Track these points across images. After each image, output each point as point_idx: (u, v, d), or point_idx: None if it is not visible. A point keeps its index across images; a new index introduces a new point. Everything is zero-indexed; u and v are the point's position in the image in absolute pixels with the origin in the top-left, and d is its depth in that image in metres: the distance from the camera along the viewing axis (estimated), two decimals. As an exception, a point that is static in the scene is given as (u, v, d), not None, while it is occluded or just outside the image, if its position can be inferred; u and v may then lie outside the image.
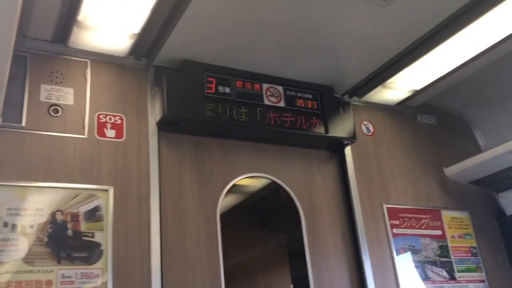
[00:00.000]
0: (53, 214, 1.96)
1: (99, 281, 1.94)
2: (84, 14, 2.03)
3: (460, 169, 2.84)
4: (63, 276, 1.89)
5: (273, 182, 2.58)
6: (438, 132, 3.17)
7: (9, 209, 1.90)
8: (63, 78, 2.21)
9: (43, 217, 1.94)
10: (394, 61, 2.58)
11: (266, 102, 2.50)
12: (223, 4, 2.05)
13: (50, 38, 2.19)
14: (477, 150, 3.15)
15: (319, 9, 2.13)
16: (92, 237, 2.00)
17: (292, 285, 2.60)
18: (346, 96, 2.89)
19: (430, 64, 2.60)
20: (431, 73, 2.72)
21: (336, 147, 2.75)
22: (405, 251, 2.70)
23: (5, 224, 1.87)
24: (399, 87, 2.84)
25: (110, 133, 2.21)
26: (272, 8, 2.11)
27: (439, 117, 3.23)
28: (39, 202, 1.96)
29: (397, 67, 2.62)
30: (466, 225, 2.95)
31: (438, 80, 2.78)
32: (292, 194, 2.57)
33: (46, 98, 2.14)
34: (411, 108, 3.12)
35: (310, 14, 2.17)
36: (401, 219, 2.76)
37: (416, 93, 2.92)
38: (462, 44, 2.45)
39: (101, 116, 2.22)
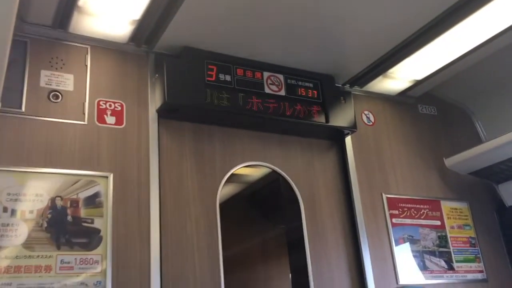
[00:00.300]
0: (52, 200, 1.96)
1: (98, 267, 1.94)
2: (85, -1, 2.03)
3: (460, 160, 2.84)
4: (62, 261, 1.89)
5: (273, 171, 2.58)
6: (438, 123, 3.17)
7: (8, 194, 1.90)
8: (63, 64, 2.19)
9: (43, 202, 1.94)
10: (395, 51, 2.57)
11: (267, 90, 2.49)
12: (224, -9, 2.04)
13: (50, 24, 2.18)
14: (478, 141, 3.15)
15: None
16: (92, 223, 2.00)
17: (290, 275, 2.60)
18: (347, 86, 2.88)
19: (431, 54, 2.60)
20: (432, 63, 2.71)
21: (336, 136, 2.75)
22: (404, 241, 2.70)
23: (5, 209, 1.87)
24: (400, 77, 2.83)
25: (110, 119, 2.20)
26: (273, -4, 2.10)
27: (439, 108, 3.22)
28: (38, 188, 1.95)
29: (398, 57, 2.61)
30: (465, 215, 2.96)
31: (439, 70, 2.77)
32: (292, 183, 2.58)
33: (46, 84, 2.13)
34: (412, 98, 3.12)
35: (312, 3, 2.15)
36: (400, 209, 2.76)
37: (417, 83, 2.91)
38: (463, 35, 2.44)
39: (101, 103, 2.21)
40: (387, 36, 2.46)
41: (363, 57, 2.65)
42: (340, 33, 2.40)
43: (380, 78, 2.81)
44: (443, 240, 2.81)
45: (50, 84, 2.13)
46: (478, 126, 3.26)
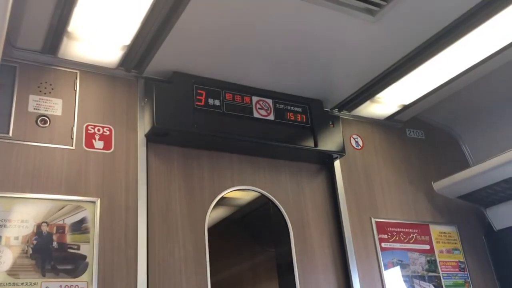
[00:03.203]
0: (38, 226, 1.94)
1: (84, 294, 1.92)
2: (74, 25, 2.03)
3: (448, 184, 2.85)
4: (47, 288, 1.86)
5: (262, 195, 2.57)
6: (426, 147, 3.19)
7: (-6, 220, 1.88)
8: (52, 89, 2.20)
9: (28, 228, 1.92)
10: (383, 76, 2.60)
11: (256, 115, 2.51)
12: (213, 17, 2.06)
13: (39, 49, 2.18)
14: (465, 165, 3.17)
15: (309, 24, 2.15)
16: (78, 249, 1.97)
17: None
18: (335, 110, 2.90)
19: (418, 79, 2.63)
20: (419, 88, 2.74)
21: (325, 160, 2.76)
22: (393, 265, 2.69)
23: (-10, 236, 1.85)
24: (388, 102, 2.86)
25: (99, 144, 2.20)
26: (262, 23, 2.12)
27: (427, 132, 3.25)
28: (24, 214, 1.93)
29: (386, 82, 2.64)
30: (454, 239, 2.96)
31: (426, 95, 2.80)
32: (281, 207, 2.57)
33: (34, 109, 2.12)
34: (400, 123, 3.15)
35: (300, 29, 2.18)
36: (389, 233, 2.76)
37: (405, 108, 2.94)
38: (450, 60, 2.47)
39: (89, 127, 2.21)
40: (375, 61, 2.49)
41: (351, 82, 2.68)
42: (328, 58, 2.43)
43: (368, 102, 2.83)
44: (432, 265, 2.81)
45: (39, 109, 2.13)
46: (465, 150, 3.29)
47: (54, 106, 2.17)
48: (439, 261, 2.84)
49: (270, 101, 2.58)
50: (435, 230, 2.92)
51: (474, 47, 2.39)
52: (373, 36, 2.27)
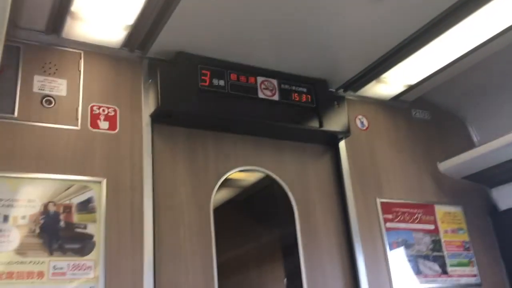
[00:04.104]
0: (45, 206, 1.95)
1: (91, 273, 1.93)
2: (78, 5, 2.02)
3: (454, 164, 2.85)
4: (54, 267, 1.88)
5: (267, 176, 2.58)
6: (432, 127, 3.18)
7: (1, 200, 1.89)
8: (56, 69, 2.19)
9: (35, 208, 1.93)
10: (388, 55, 2.58)
11: (261, 95, 2.50)
12: (217, -4, 2.05)
13: (43, 29, 2.17)
14: (471, 145, 3.16)
15: (314, 3, 2.13)
16: (85, 228, 1.99)
17: (285, 280, 2.60)
18: (340, 90, 2.89)
19: (424, 59, 2.61)
20: (425, 68, 2.73)
21: (330, 141, 2.75)
22: (398, 245, 2.70)
23: (-3, 215, 1.86)
24: (393, 82, 2.84)
25: (104, 124, 2.20)
26: (267, 2, 2.10)
27: (433, 112, 3.24)
28: (31, 193, 1.95)
29: (391, 61, 2.62)
30: (459, 220, 2.96)
31: (432, 75, 2.78)
32: (286, 188, 2.58)
33: (39, 89, 2.12)
34: (405, 103, 3.13)
35: (304, 8, 2.16)
36: (394, 214, 2.76)
37: (411, 88, 2.92)
38: (455, 40, 2.45)
39: (94, 108, 2.21)
40: (380, 41, 2.47)
41: (357, 62, 2.66)
42: (333, 38, 2.41)
43: (373, 83, 2.81)
44: (437, 245, 2.81)
45: (43, 90, 2.13)
46: (471, 131, 3.28)
47: (59, 87, 2.16)
48: (444, 241, 2.84)
49: (275, 81, 2.56)
50: (440, 210, 2.92)
51: (480, 27, 2.37)
52: (379, 15, 2.24)
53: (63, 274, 1.88)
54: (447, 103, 3.28)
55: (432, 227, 2.85)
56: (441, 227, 2.87)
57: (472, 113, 3.26)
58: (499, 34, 2.44)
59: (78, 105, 2.18)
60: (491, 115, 3.17)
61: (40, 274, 1.85)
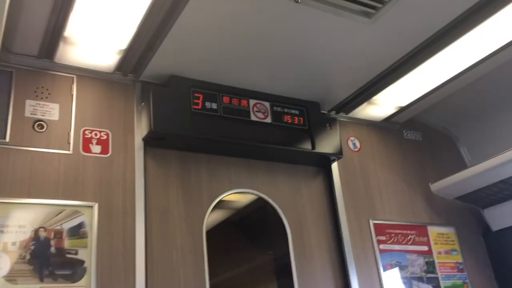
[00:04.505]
0: (36, 231, 1.93)
1: (82, 299, 1.91)
2: (71, 29, 2.03)
3: (446, 185, 2.85)
4: (45, 294, 1.86)
5: (260, 198, 2.57)
6: (424, 148, 3.19)
7: (-9, 226, 1.87)
8: (49, 94, 2.19)
9: (26, 234, 1.91)
10: (380, 78, 2.61)
11: (253, 118, 2.51)
12: (210, 21, 2.06)
13: (36, 54, 2.18)
14: (463, 166, 3.17)
15: (306, 27, 2.15)
16: (76, 254, 1.97)
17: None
18: (332, 112, 2.90)
19: (415, 80, 2.63)
20: (416, 89, 2.75)
21: (323, 163, 2.76)
22: (392, 267, 2.69)
23: (-13, 241, 1.84)
24: (385, 104, 2.87)
25: (96, 148, 2.19)
26: (259, 25, 2.12)
27: (425, 133, 3.26)
28: (21, 219, 1.93)
29: (383, 84, 2.64)
30: (452, 240, 2.96)
31: (423, 96, 2.80)
32: (279, 210, 2.57)
33: (31, 114, 2.12)
34: (397, 124, 3.15)
35: (297, 32, 2.18)
36: (387, 235, 2.76)
37: (402, 110, 2.94)
38: (446, 61, 2.48)
39: (86, 132, 2.21)
40: (371, 64, 2.50)
41: (348, 85, 2.68)
42: (325, 61, 2.43)
43: (365, 104, 2.83)
44: (430, 266, 2.81)
45: (35, 114, 2.13)
46: (462, 151, 3.30)
47: (51, 111, 2.16)
48: (438, 262, 2.84)
49: (267, 104, 2.58)
50: (433, 231, 2.92)
51: (470, 49, 2.40)
52: (370, 39, 2.27)
53: (54, 301, 1.86)
54: (438, 124, 3.31)
55: (425, 248, 2.84)
56: (435, 248, 2.87)
57: (464, 133, 3.29)
58: (489, 56, 2.46)
59: (70, 129, 2.18)
60: (482, 135, 3.19)
61: (30, 302, 1.82)
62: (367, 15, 2.12)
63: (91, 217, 2.05)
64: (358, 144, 2.94)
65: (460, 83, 2.70)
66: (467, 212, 3.08)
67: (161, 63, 2.29)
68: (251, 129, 2.48)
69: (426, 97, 2.81)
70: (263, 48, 2.28)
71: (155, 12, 1.96)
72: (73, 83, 2.26)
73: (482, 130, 3.19)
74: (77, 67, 2.27)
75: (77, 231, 2.01)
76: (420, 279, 2.74)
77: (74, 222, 2.01)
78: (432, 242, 2.88)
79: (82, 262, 1.96)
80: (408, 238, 2.82)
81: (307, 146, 2.60)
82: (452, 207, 3.02)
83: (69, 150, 2.14)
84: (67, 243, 1.97)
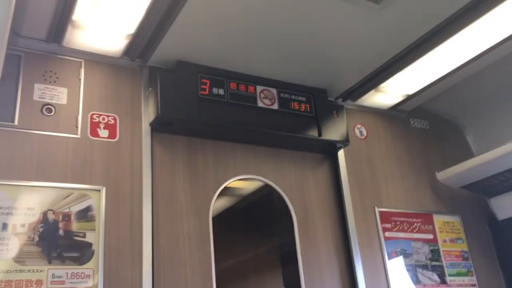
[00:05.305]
0: (44, 214, 1.95)
1: (90, 282, 1.93)
2: (79, 13, 2.03)
3: (452, 174, 2.85)
4: (53, 276, 1.88)
5: (266, 185, 2.58)
6: (430, 137, 3.19)
7: (0, 208, 1.89)
8: (57, 78, 2.20)
9: (35, 216, 1.93)
10: (387, 65, 2.59)
11: (260, 104, 2.51)
12: (217, 6, 2.05)
13: (44, 37, 2.18)
14: (469, 155, 3.17)
15: (314, 13, 2.14)
16: (84, 237, 1.99)
17: (284, 288, 2.60)
18: (339, 100, 2.90)
19: (423, 69, 2.62)
20: (423, 78, 2.74)
21: (329, 150, 2.76)
22: (397, 254, 2.70)
23: (-4, 223, 1.86)
24: (392, 92, 2.86)
25: (103, 133, 2.21)
26: (267, 11, 2.11)
27: (431, 122, 3.25)
28: (30, 201, 1.95)
29: (390, 71, 2.63)
30: (458, 229, 2.97)
31: (430, 85, 2.79)
32: (285, 197, 2.58)
33: (39, 98, 2.13)
34: (404, 113, 3.14)
35: (304, 18, 2.18)
36: (393, 223, 2.77)
37: (409, 98, 2.93)
38: (454, 49, 2.47)
39: (94, 116, 2.22)
40: (379, 51, 2.49)
41: (355, 72, 2.67)
42: (332, 48, 2.43)
43: (372, 92, 2.83)
44: (435, 254, 2.81)
45: (44, 98, 2.14)
46: (469, 140, 3.29)
47: (59, 95, 2.17)
48: (443, 250, 2.84)
49: (274, 91, 2.58)
50: (439, 219, 2.92)
51: (479, 37, 2.38)
52: (378, 25, 2.26)
53: (62, 282, 1.88)
54: (445, 113, 3.30)
55: (430, 236, 2.85)
56: (440, 237, 2.88)
57: (471, 122, 3.28)
58: (498, 44, 2.45)
59: (78, 114, 2.19)
60: (489, 124, 3.18)
61: (39, 283, 1.85)
62: (376, 1, 2.10)
63: (99, 201, 2.07)
64: (364, 132, 2.94)
65: (468, 71, 2.69)
66: (473, 201, 3.08)
67: (169, 48, 2.29)
68: (257, 115, 2.48)
69: (433, 85, 2.80)
70: (271, 34, 2.28)
71: (163, -4, 1.96)
72: (81, 67, 2.27)
73: (489, 119, 3.18)
74: (85, 51, 2.27)
75: (85, 214, 2.03)
76: (425, 266, 2.75)
77: (82, 205, 2.03)
78: (437, 231, 2.88)
79: (90, 244, 1.99)
80: (414, 226, 2.82)
81: (314, 133, 2.60)
82: (458, 195, 3.02)
83: (77, 134, 2.15)
84: (75, 225, 1.99)
